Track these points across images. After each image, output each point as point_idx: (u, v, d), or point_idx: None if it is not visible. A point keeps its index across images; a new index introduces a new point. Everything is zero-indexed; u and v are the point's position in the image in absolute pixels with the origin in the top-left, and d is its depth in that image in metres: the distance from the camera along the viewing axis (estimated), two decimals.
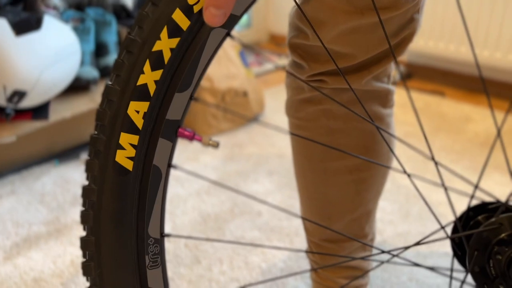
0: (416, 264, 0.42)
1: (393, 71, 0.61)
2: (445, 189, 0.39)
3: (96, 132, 0.41)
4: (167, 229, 1.08)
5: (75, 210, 1.15)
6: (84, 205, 0.42)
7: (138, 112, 0.39)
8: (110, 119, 0.40)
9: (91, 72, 1.34)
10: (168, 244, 1.02)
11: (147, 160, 0.41)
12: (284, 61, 2.28)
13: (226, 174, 1.30)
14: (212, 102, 1.49)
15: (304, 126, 0.62)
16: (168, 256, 0.98)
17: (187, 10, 0.38)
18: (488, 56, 1.70)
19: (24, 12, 1.20)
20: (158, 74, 0.40)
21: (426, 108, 1.71)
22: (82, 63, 1.32)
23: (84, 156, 1.38)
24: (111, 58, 1.41)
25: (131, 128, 0.40)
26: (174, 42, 0.39)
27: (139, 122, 0.40)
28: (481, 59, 1.72)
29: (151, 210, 0.42)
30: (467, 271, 0.38)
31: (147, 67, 0.40)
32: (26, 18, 1.16)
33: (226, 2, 0.35)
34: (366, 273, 0.66)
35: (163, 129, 0.41)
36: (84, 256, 0.43)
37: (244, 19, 2.64)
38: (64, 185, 1.25)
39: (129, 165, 0.40)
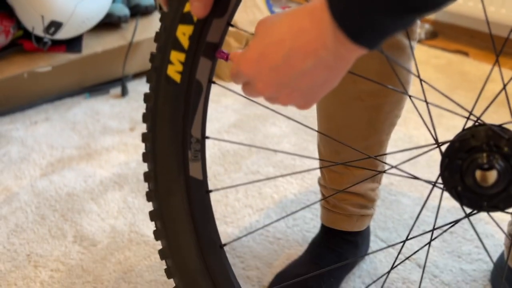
0: (410, 175, 0.48)
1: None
2: (427, 103, 0.44)
3: (155, 51, 0.51)
4: None
5: (105, 139, 1.23)
6: (146, 108, 0.53)
7: (184, 34, 0.49)
8: (164, 39, 0.49)
9: (123, 9, 1.39)
10: None
11: (191, 74, 0.50)
12: None
13: (245, 116, 1.36)
14: (236, 47, 1.53)
15: None
16: None
17: None
18: None
19: None
20: None
21: (448, 66, 1.71)
22: (114, 0, 1.37)
23: (113, 91, 1.46)
24: None
25: (179, 47, 0.49)
26: None
27: (185, 42, 0.49)
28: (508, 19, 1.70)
29: (194, 115, 0.52)
30: (438, 175, 0.44)
31: None
32: None
33: None
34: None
35: (204, 49, 0.50)
36: (145, 148, 0.54)
37: None
38: (94, 116, 1.34)
39: (177, 77, 0.50)
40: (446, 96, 0.42)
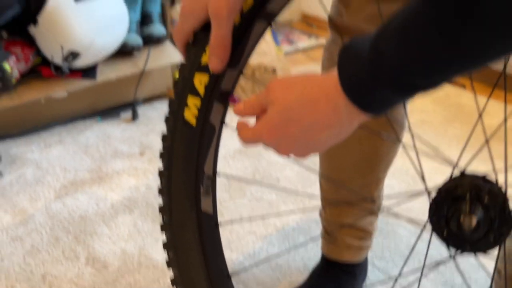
0: (403, 218, 0.53)
1: None
2: (417, 155, 0.50)
3: (173, 97, 0.56)
4: None
5: (116, 162, 1.29)
6: (163, 148, 0.58)
7: (201, 83, 0.54)
8: (182, 85, 0.55)
9: (136, 40, 1.46)
10: None
11: (206, 118, 0.55)
12: (314, 41, 2.35)
13: None
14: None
15: None
16: None
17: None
18: None
19: None
20: None
21: (445, 98, 1.78)
22: (128, 30, 1.44)
23: (124, 115, 1.52)
24: (155, 27, 1.53)
25: (195, 93, 0.54)
26: None
27: (201, 90, 0.54)
28: None
29: (207, 154, 0.57)
30: (427, 220, 0.50)
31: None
32: None
33: (222, 53, 0.50)
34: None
35: (218, 96, 0.55)
36: (160, 184, 0.59)
37: None
38: (106, 139, 1.40)
39: (193, 121, 0.55)
40: (434, 151, 0.47)
